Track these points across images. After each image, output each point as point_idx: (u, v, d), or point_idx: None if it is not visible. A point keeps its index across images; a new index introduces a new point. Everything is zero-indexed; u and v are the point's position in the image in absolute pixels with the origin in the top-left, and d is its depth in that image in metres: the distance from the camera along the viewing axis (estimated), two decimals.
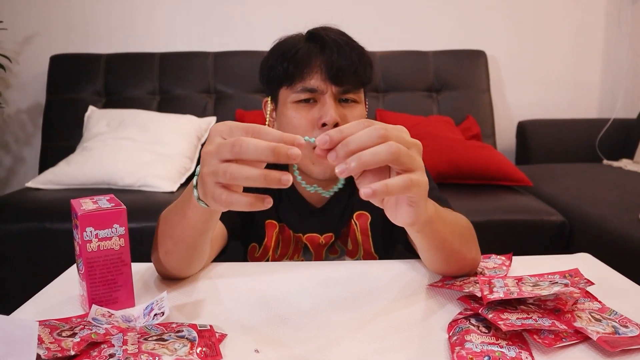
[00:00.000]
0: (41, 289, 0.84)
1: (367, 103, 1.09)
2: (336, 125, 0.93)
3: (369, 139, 0.55)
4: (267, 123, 1.06)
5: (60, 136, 2.60)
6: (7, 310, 0.77)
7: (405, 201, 0.62)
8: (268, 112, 1.06)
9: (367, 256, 1.08)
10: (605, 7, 3.01)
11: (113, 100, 2.67)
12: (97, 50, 2.77)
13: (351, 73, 0.96)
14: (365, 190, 0.55)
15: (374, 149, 0.55)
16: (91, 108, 2.55)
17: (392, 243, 1.10)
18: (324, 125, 0.94)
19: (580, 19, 3.02)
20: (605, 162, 2.71)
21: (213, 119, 2.60)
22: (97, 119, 2.46)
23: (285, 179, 0.54)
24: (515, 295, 0.69)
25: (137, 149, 2.29)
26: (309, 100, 0.97)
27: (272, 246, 1.07)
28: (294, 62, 0.97)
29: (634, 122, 2.80)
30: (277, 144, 0.54)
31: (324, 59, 0.96)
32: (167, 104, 2.67)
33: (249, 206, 0.57)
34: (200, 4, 2.87)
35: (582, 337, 0.65)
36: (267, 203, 0.57)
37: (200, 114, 2.63)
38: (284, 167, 1.09)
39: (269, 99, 1.06)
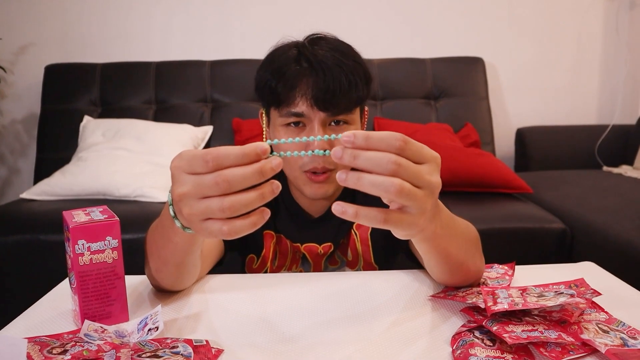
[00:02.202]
0: (35, 301, 0.82)
1: (366, 112, 1.07)
2: (325, 151, 0.92)
3: (377, 167, 0.52)
4: (264, 133, 1.05)
5: (56, 147, 2.58)
6: (1, 324, 0.75)
7: None
8: (264, 124, 1.05)
9: (367, 267, 1.06)
10: (603, 13, 3.01)
11: (109, 110, 2.66)
12: (93, 60, 2.76)
13: (340, 97, 0.92)
14: (336, 207, 0.53)
15: (374, 180, 0.52)
16: (86, 118, 2.54)
17: (393, 252, 1.08)
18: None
19: (578, 26, 3.02)
20: (605, 168, 2.70)
21: (210, 128, 2.59)
22: (92, 129, 2.44)
23: (276, 187, 0.54)
24: (520, 307, 0.67)
25: (133, 159, 2.28)
26: (299, 124, 0.95)
27: (270, 257, 1.05)
28: (281, 84, 0.93)
29: (633, 128, 2.79)
30: (261, 165, 0.53)
31: (310, 83, 0.92)
32: (163, 113, 2.66)
33: (253, 226, 0.55)
34: (196, 13, 2.87)
35: (589, 349, 0.63)
36: (266, 214, 0.56)
37: (197, 123, 2.62)
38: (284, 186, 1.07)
39: (264, 111, 1.04)
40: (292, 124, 0.95)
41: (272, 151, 1.05)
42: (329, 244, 1.06)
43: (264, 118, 1.04)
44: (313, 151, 0.58)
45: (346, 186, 0.53)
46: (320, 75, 0.91)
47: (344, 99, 0.93)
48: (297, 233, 1.06)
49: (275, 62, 0.96)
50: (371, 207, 0.54)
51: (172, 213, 0.62)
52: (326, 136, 0.59)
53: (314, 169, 0.94)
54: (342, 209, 0.53)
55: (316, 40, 0.97)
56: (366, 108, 1.06)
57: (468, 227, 0.82)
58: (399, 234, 0.58)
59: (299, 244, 1.06)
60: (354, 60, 0.96)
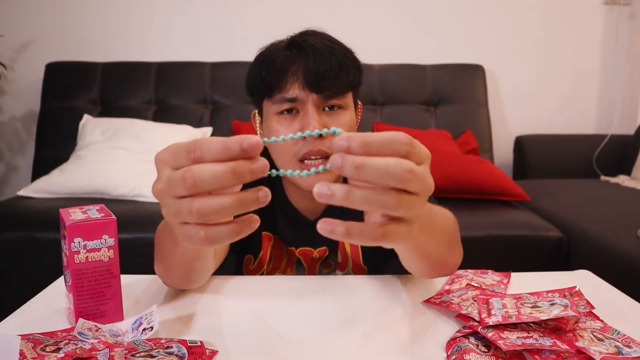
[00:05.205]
0: (30, 299, 0.82)
1: (360, 107, 1.04)
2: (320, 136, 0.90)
3: (389, 179, 0.43)
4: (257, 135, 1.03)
5: (54, 144, 2.58)
6: None
7: None
8: (257, 125, 1.03)
9: (356, 268, 1.05)
10: (603, 24, 3.02)
11: (108, 109, 2.66)
12: (94, 59, 2.76)
13: (331, 78, 0.90)
14: (322, 225, 0.45)
15: (371, 196, 0.44)
16: (86, 117, 2.53)
17: (383, 256, 1.07)
18: None
19: (578, 35, 3.03)
20: (602, 178, 2.70)
21: (209, 129, 2.59)
22: (91, 127, 2.44)
23: (262, 195, 0.46)
24: (513, 319, 0.67)
25: (132, 159, 2.27)
26: (292, 111, 0.93)
27: (266, 259, 1.05)
28: (271, 71, 0.92)
29: (631, 138, 2.80)
30: (236, 164, 0.44)
31: (300, 66, 0.91)
32: (163, 113, 2.65)
33: (236, 235, 0.47)
34: (198, 14, 2.87)
35: (584, 357, 0.63)
36: (255, 222, 0.48)
37: (197, 124, 2.62)
38: (277, 184, 1.05)
39: (257, 111, 1.02)
40: (285, 112, 0.93)
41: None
42: (324, 248, 1.04)
43: (257, 118, 1.02)
44: (304, 133, 0.50)
45: (330, 203, 0.45)
46: (310, 57, 0.90)
47: (335, 80, 0.91)
48: (292, 236, 1.05)
49: (263, 55, 0.96)
50: (365, 223, 0.46)
51: None
52: (325, 130, 0.50)
53: (309, 153, 0.90)
54: (330, 228, 0.45)
55: (307, 32, 0.97)
56: (360, 103, 1.04)
57: (447, 218, 0.80)
58: (390, 246, 0.51)
59: (293, 248, 1.05)
60: (342, 47, 0.95)
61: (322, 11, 2.89)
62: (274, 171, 0.48)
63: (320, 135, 0.88)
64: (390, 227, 0.46)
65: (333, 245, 1.05)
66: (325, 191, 0.44)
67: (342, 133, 0.45)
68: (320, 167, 0.48)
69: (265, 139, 0.47)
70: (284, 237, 1.05)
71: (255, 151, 0.44)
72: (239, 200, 0.45)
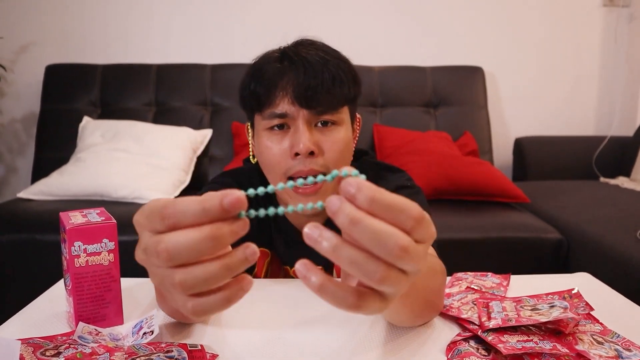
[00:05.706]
0: (31, 302, 0.82)
1: (359, 120, 1.00)
2: (312, 153, 0.85)
3: (377, 247, 0.38)
4: (250, 150, 0.99)
5: (54, 146, 2.58)
6: None
7: None
8: (250, 138, 0.99)
9: None
10: (602, 25, 3.03)
11: (108, 111, 2.66)
12: (94, 61, 2.76)
13: (323, 93, 0.85)
14: (299, 267, 0.40)
15: (359, 260, 0.39)
16: (86, 119, 2.54)
17: None
18: (297, 154, 0.85)
19: (577, 38, 3.03)
20: (602, 179, 2.70)
21: (209, 131, 2.59)
22: (91, 129, 2.44)
23: (250, 254, 0.41)
24: (513, 322, 0.67)
25: (132, 161, 2.28)
26: (283, 127, 0.87)
27: (262, 276, 1.02)
28: (260, 85, 0.88)
29: (631, 139, 2.80)
30: (214, 229, 0.40)
31: (290, 80, 0.85)
32: (163, 115, 2.66)
33: (227, 303, 0.42)
34: (198, 16, 2.87)
35: None
36: (248, 284, 0.43)
37: (197, 126, 2.62)
38: (272, 200, 1.00)
39: (249, 124, 0.98)
40: (275, 127, 0.88)
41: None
42: (320, 267, 1.00)
43: (250, 131, 0.98)
44: (299, 180, 0.45)
45: (315, 248, 0.40)
46: (301, 70, 0.85)
47: (327, 95, 0.85)
48: (288, 254, 1.00)
49: (256, 65, 0.92)
50: (341, 286, 0.41)
51: None
52: (320, 177, 0.42)
53: (299, 172, 0.86)
54: (305, 272, 0.40)
55: (301, 42, 0.92)
56: (358, 116, 1.00)
57: (434, 277, 0.72)
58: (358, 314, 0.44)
59: (288, 267, 1.01)
60: (338, 58, 0.89)
61: (322, 12, 2.89)
62: (262, 211, 0.42)
63: (312, 153, 0.85)
64: (366, 301, 0.41)
65: (329, 265, 1.00)
66: (316, 236, 0.39)
67: (353, 178, 0.39)
68: (319, 204, 0.41)
69: (251, 190, 0.42)
70: (279, 253, 1.02)
71: (238, 208, 0.40)
72: (226, 265, 0.41)
